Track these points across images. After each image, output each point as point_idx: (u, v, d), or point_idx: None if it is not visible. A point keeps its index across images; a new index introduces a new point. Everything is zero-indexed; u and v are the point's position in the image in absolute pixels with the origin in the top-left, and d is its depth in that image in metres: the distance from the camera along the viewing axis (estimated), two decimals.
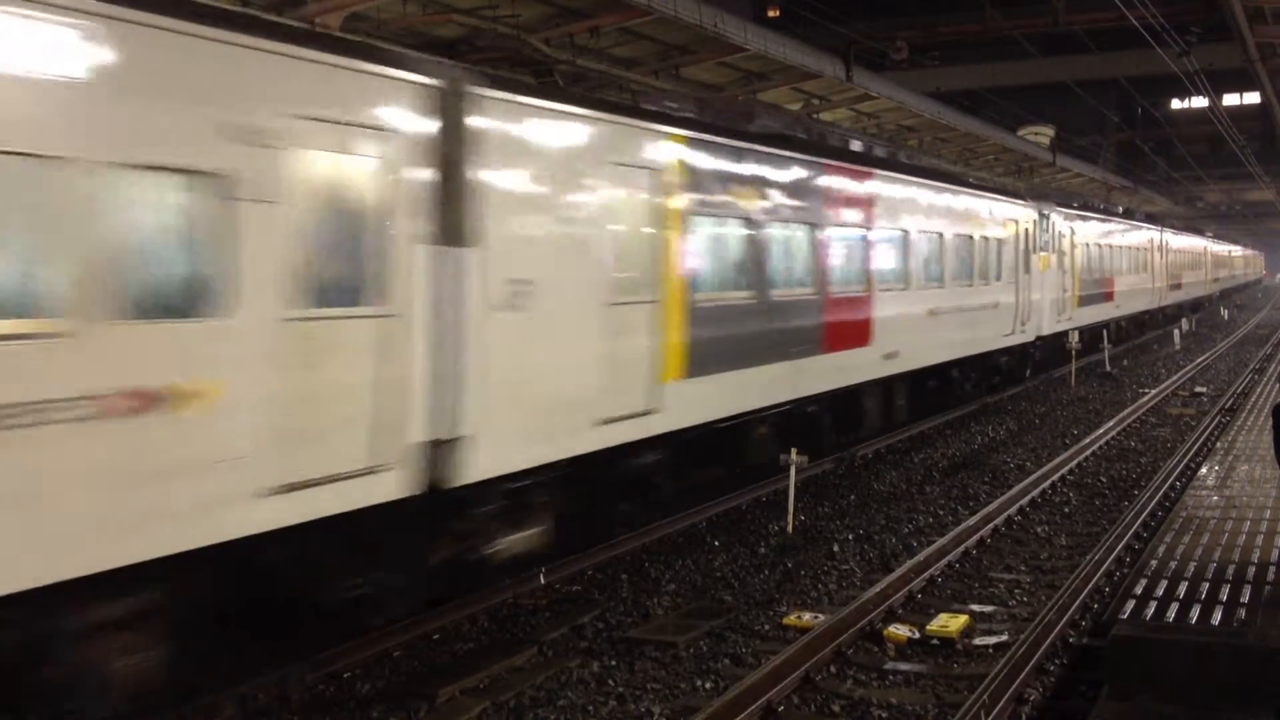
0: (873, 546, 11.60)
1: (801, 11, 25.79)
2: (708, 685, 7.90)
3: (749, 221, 12.24)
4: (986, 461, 16.31)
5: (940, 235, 17.58)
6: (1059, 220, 25.47)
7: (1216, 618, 7.29)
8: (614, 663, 8.36)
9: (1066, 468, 15.29)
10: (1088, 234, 28.66)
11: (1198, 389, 24.43)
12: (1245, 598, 7.67)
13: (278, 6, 14.00)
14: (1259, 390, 21.58)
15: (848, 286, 14.45)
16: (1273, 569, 8.37)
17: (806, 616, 9.18)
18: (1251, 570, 8.35)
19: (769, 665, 7.62)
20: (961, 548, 11.10)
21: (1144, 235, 37.42)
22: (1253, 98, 45.94)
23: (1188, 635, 7.01)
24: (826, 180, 14.13)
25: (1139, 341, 37.04)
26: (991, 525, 12.01)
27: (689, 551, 11.42)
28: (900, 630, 8.77)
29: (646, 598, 9.89)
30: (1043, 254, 23.61)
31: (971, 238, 19.01)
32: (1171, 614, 7.41)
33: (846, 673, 8.11)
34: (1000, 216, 20.74)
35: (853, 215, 14.69)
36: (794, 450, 12.13)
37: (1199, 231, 56.09)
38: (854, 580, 10.43)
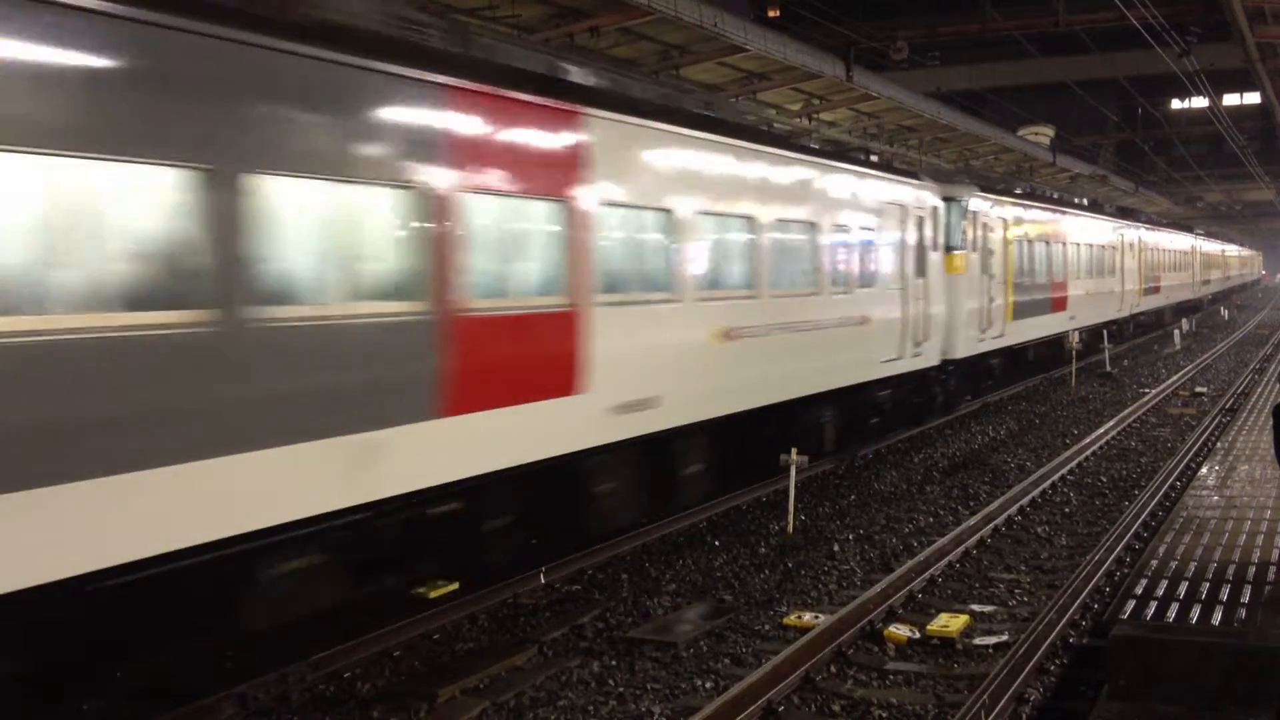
0: (873, 546, 11.60)
1: (801, 11, 25.81)
2: (708, 685, 7.90)
3: (201, 174, 6.55)
4: (986, 461, 16.31)
5: (749, 220, 12.17)
6: (985, 209, 20.17)
7: (1216, 618, 7.29)
8: (614, 663, 8.37)
9: (1067, 468, 15.29)
10: (1029, 228, 23.39)
11: (1198, 389, 24.43)
12: (1245, 598, 7.67)
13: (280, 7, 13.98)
14: (1259, 390, 21.59)
15: (515, 299, 8.97)
16: (1273, 569, 8.37)
17: (807, 616, 9.19)
18: (1251, 570, 8.36)
19: (769, 665, 7.62)
20: (962, 548, 11.10)
21: (1112, 231, 32.20)
22: (1253, 98, 45.99)
23: (1188, 635, 7.01)
24: (459, 117, 8.36)
25: (1138, 342, 37.04)
26: (992, 525, 12.02)
27: (689, 551, 11.43)
28: (901, 630, 8.77)
29: (647, 598, 9.90)
30: (955, 252, 18.65)
31: (814, 226, 13.61)
32: (1171, 614, 7.42)
33: (847, 673, 8.11)
34: (873, 200, 15.43)
35: (532, 180, 9.07)
36: (794, 450, 12.13)
37: (1187, 228, 52.88)
38: (854, 580, 10.44)
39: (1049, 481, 14.32)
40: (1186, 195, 65.74)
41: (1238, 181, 63.18)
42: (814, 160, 14.10)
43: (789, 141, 14.92)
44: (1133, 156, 58.99)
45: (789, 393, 13.10)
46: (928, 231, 17.34)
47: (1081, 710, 6.99)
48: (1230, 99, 52.72)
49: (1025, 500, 13.23)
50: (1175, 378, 26.51)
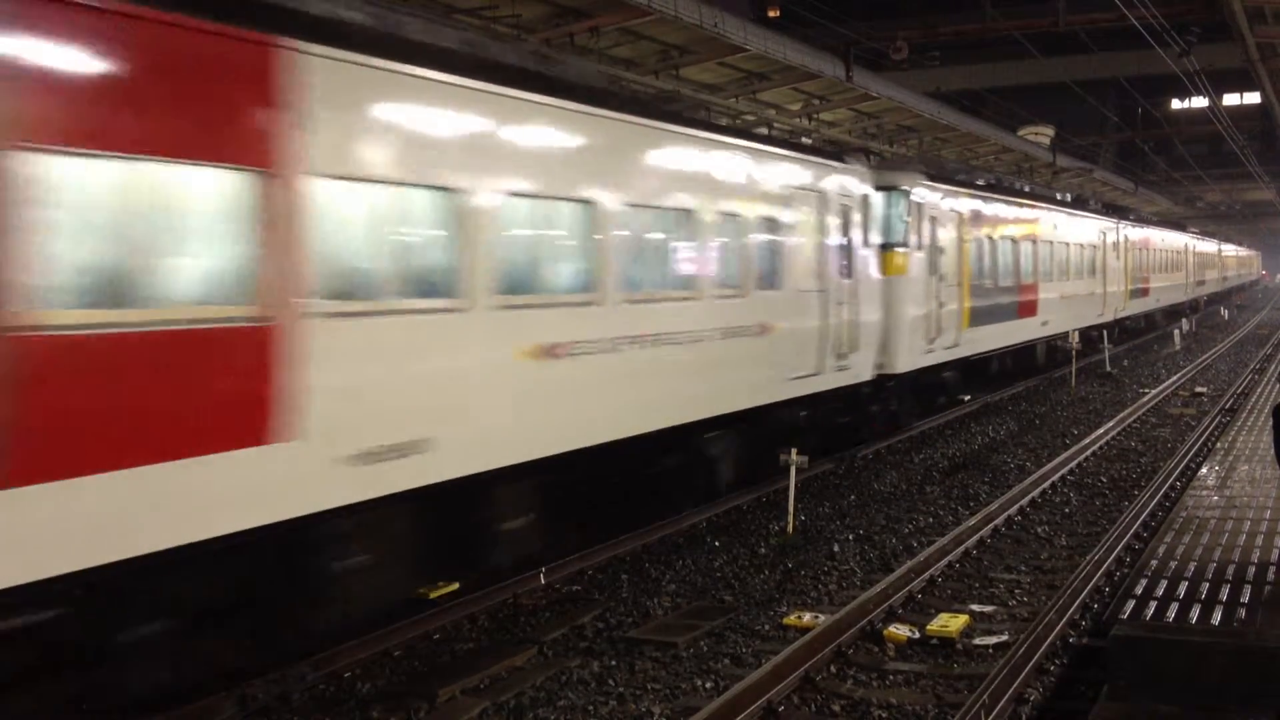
0: (873, 546, 11.60)
1: (801, 11, 25.80)
2: (708, 685, 7.91)
3: None
4: (986, 461, 16.32)
5: (586, 206, 9.72)
6: (934, 202, 17.73)
7: (1216, 618, 7.29)
8: (614, 663, 8.37)
9: (1067, 468, 15.29)
10: (991, 224, 20.87)
11: (1198, 389, 24.44)
12: (1245, 598, 7.67)
13: None
14: (1259, 390, 21.59)
15: (152, 310, 6.35)
16: (1273, 569, 8.37)
17: (807, 616, 9.19)
18: (1251, 570, 8.35)
19: (769, 665, 7.63)
20: (962, 548, 11.10)
21: (1092, 228, 29.53)
22: (1253, 98, 45.99)
23: (1188, 635, 7.01)
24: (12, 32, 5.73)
25: (1139, 342, 37.04)
26: (992, 525, 12.02)
27: (689, 551, 11.43)
28: (900, 630, 8.77)
29: (647, 598, 9.90)
30: (894, 250, 16.39)
31: (689, 215, 11.16)
32: (1171, 614, 7.41)
33: (846, 673, 8.11)
34: (777, 184, 12.92)
35: (188, 137, 6.51)
36: (794, 450, 12.12)
37: (1180, 226, 50.70)
38: (854, 580, 10.44)
39: (1049, 481, 14.32)
40: (1186, 195, 65.79)
41: (1238, 181, 63.20)
42: (688, 133, 11.36)
43: (655, 108, 12.02)
44: (1133, 156, 59.03)
45: (653, 421, 10.61)
46: (856, 224, 14.95)
47: (1081, 710, 6.99)
48: (1230, 99, 52.73)
49: (1025, 500, 13.23)
50: (1175, 378, 26.52)
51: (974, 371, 21.03)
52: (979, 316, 19.77)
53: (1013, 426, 19.80)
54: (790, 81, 22.43)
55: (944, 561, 10.62)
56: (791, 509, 12.19)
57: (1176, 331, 37.04)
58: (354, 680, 8.08)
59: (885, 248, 16.11)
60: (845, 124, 27.66)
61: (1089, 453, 16.60)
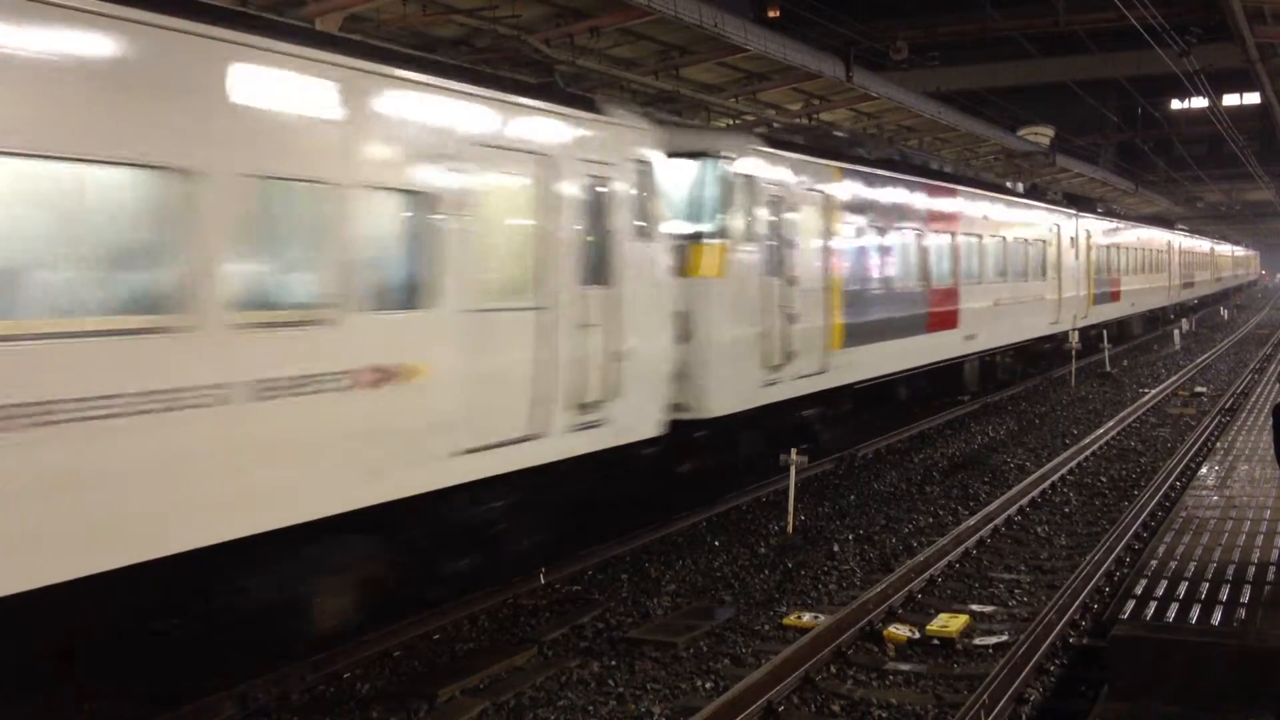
0: (873, 546, 11.61)
1: (801, 11, 25.82)
2: (708, 685, 7.91)
3: None
4: (986, 461, 16.32)
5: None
6: (778, 179, 13.06)
7: (1216, 618, 7.29)
8: (614, 663, 8.37)
9: (1066, 468, 15.29)
10: (881, 212, 16.02)
11: (1198, 389, 24.44)
12: (1245, 598, 7.67)
13: (277, 8, 14.01)
14: (1259, 390, 21.60)
15: None
16: (1273, 569, 8.38)
17: (807, 616, 9.19)
18: (1251, 570, 8.36)
19: (769, 665, 7.63)
20: (961, 548, 11.11)
21: (1043, 221, 24.82)
22: (1253, 98, 45.91)
23: (1188, 635, 7.02)
24: None
25: (1139, 341, 37.05)
26: (991, 525, 12.02)
27: (689, 551, 11.43)
28: (900, 630, 8.78)
29: (647, 598, 9.90)
30: (706, 244, 11.86)
31: (163, 174, 6.22)
32: (1171, 614, 7.42)
33: (846, 673, 8.12)
34: (420, 138, 8.00)
35: None
36: (794, 450, 12.12)
37: (1167, 223, 46.86)
38: (854, 580, 10.45)
39: (1049, 481, 14.33)
40: (1186, 195, 65.79)
41: (1238, 181, 63.18)
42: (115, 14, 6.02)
43: None
44: (1133, 156, 59.03)
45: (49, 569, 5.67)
46: (623, 205, 10.19)
47: (1081, 710, 7.00)
48: (1230, 99, 52.69)
49: (1025, 500, 13.23)
50: (1175, 378, 26.52)
51: (868, 402, 16.20)
52: (860, 333, 14.97)
53: (1012, 426, 19.81)
54: (790, 81, 22.43)
55: (944, 561, 10.62)
56: (791, 509, 12.19)
57: (1176, 331, 37.08)
58: (354, 680, 8.08)
59: (689, 239, 11.77)
60: (845, 124, 27.67)
61: (1089, 453, 16.60)
